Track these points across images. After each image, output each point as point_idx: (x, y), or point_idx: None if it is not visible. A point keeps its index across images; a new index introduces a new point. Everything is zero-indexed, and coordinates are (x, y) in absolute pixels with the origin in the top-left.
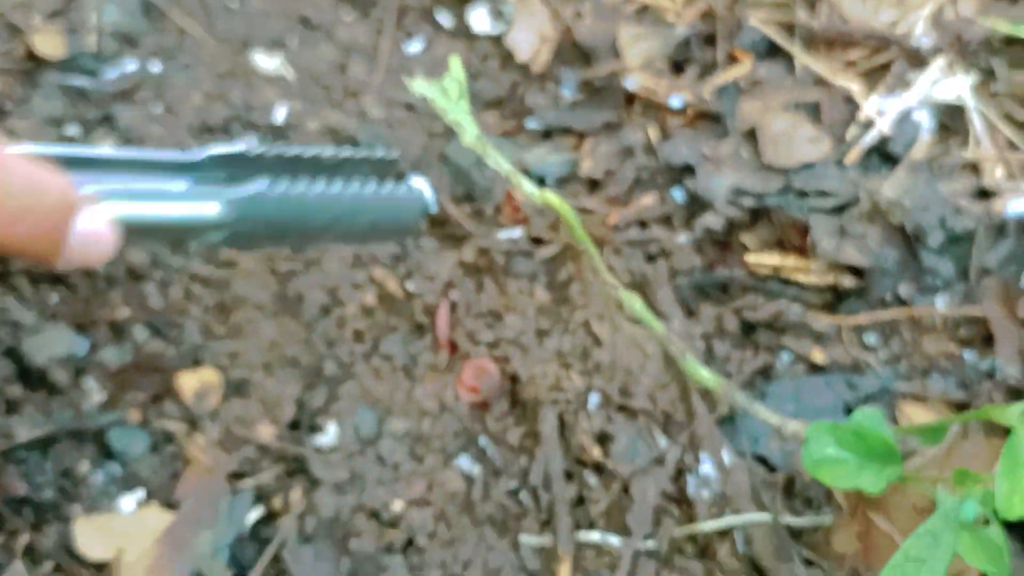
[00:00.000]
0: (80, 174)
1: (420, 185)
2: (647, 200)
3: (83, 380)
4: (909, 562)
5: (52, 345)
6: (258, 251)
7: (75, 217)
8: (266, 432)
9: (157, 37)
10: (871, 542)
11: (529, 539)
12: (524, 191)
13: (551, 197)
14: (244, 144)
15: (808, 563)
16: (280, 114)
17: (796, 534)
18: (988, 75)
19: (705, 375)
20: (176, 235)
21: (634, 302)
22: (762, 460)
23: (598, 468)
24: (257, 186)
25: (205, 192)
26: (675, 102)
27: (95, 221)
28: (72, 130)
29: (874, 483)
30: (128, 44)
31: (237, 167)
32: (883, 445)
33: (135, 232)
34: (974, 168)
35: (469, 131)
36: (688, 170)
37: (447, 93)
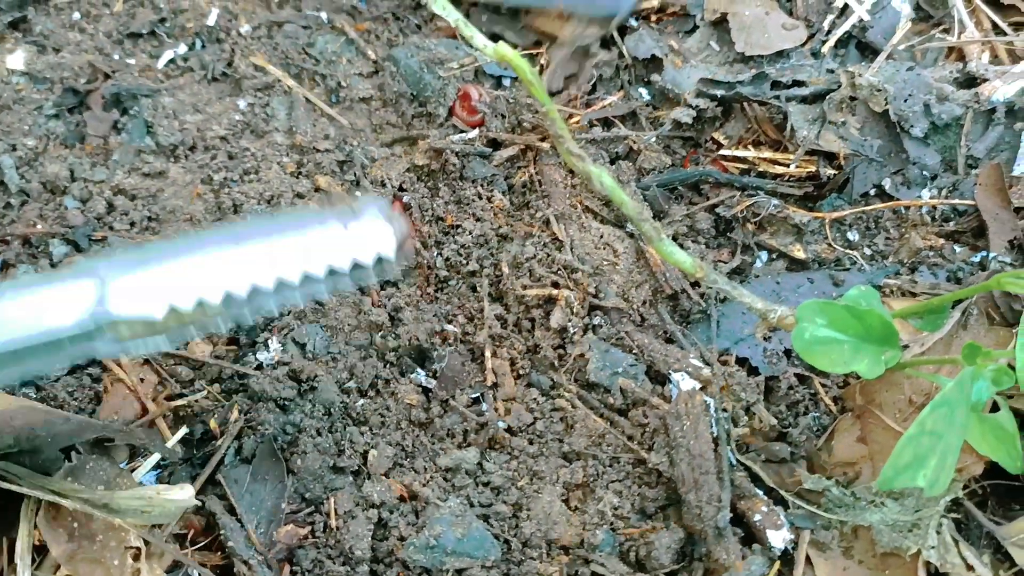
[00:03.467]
0: None
1: (375, 222)
2: (612, 97)
3: None
4: (925, 435)
5: None
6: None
7: None
8: (202, 350)
9: None
10: (873, 444)
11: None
12: (476, 45)
13: (505, 49)
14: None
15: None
16: (212, 17)
17: (783, 436)
18: None
19: (681, 258)
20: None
21: (603, 175)
22: (742, 362)
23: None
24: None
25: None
26: None
27: None
28: None
29: (872, 367)
30: None
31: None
32: (881, 324)
33: None
34: (959, 54)
35: None
36: (655, 63)
37: None
